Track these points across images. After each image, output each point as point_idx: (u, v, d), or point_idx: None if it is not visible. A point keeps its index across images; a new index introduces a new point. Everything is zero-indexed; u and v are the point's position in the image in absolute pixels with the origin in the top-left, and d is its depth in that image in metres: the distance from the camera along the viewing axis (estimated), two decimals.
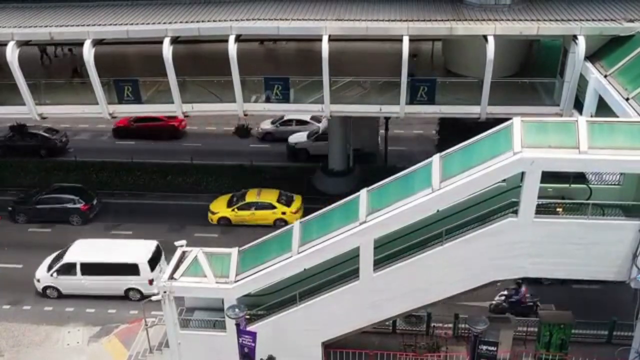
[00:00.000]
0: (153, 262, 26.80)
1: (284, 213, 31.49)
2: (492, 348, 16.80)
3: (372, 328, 21.00)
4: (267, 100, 26.79)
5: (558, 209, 17.94)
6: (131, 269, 26.34)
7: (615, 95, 20.77)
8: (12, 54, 25.66)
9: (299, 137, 39.27)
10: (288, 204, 32.01)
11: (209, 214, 32.20)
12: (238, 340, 17.13)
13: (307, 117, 39.93)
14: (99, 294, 26.86)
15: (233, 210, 31.73)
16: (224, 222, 31.89)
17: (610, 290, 23.51)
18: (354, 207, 18.43)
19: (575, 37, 23.76)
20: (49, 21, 26.95)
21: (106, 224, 32.31)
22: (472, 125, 24.94)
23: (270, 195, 32.13)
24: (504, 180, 17.80)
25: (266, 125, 41.35)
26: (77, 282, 26.83)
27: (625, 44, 23.04)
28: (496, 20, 24.71)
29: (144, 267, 26.34)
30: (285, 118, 40.27)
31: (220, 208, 32.18)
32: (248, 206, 31.72)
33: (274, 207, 31.68)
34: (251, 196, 32.13)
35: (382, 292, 18.73)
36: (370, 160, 36.72)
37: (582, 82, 23.86)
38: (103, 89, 26.52)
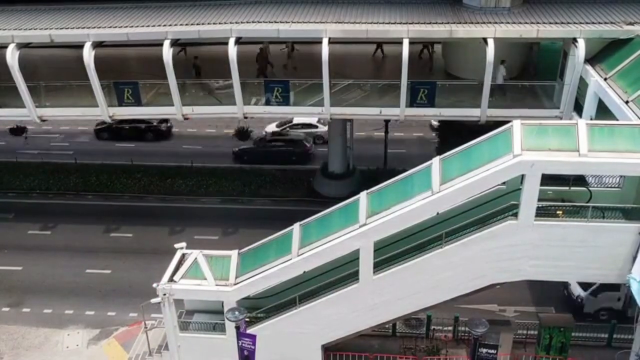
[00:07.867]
0: None
1: None
2: (492, 351, 16.78)
3: (372, 331, 21.00)
4: (267, 102, 26.82)
5: (558, 212, 17.94)
6: None
7: (615, 98, 20.79)
8: (12, 56, 25.67)
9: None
10: None
11: None
12: (238, 343, 17.08)
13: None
14: None
15: None
16: None
17: None
18: (354, 209, 18.42)
19: (575, 40, 23.78)
20: (49, 23, 26.93)
21: (106, 226, 32.27)
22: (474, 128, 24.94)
23: None
24: (504, 183, 17.84)
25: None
26: None
27: (625, 47, 23.07)
28: (496, 23, 24.73)
29: None
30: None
31: None
32: None
33: None
34: None
35: (382, 294, 18.72)
36: None
37: (582, 85, 23.88)
38: (103, 91, 26.54)
